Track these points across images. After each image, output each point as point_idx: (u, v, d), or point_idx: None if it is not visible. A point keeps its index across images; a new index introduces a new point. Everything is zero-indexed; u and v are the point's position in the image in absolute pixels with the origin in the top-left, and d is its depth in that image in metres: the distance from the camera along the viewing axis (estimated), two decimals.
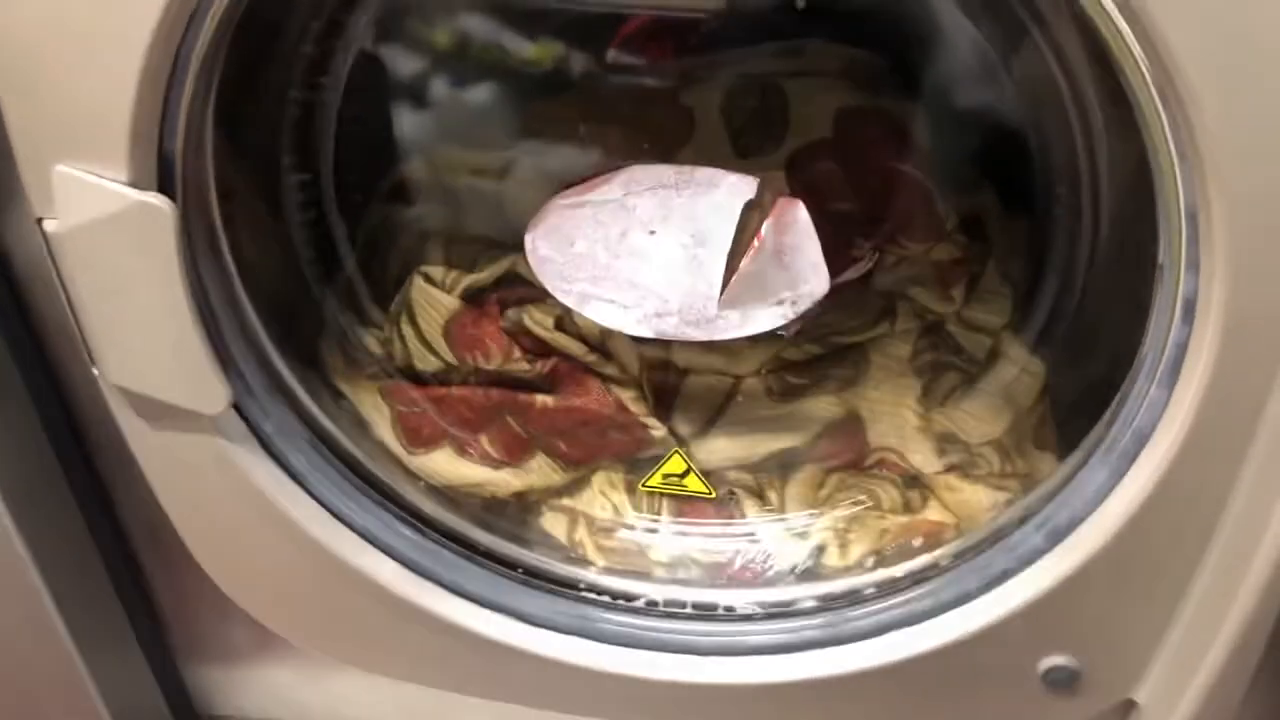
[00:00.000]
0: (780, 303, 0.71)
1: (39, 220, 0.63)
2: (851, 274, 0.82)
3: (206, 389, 0.67)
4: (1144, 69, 0.52)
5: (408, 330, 0.79)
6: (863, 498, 0.82)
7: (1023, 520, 0.71)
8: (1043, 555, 0.68)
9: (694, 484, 0.82)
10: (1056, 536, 0.67)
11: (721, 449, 0.83)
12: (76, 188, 0.60)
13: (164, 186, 0.62)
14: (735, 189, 0.68)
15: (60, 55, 0.57)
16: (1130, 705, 0.72)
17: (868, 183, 0.84)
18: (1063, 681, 0.70)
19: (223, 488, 0.73)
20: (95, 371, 0.69)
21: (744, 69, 0.87)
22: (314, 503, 0.75)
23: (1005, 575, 0.70)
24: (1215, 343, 0.56)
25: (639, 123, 0.87)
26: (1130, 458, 0.63)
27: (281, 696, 0.93)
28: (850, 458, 0.84)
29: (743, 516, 0.83)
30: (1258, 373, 0.56)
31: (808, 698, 0.75)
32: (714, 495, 0.82)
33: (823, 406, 0.84)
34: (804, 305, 0.70)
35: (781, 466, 0.84)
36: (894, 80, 0.87)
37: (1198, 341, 0.57)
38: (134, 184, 0.60)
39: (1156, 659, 0.68)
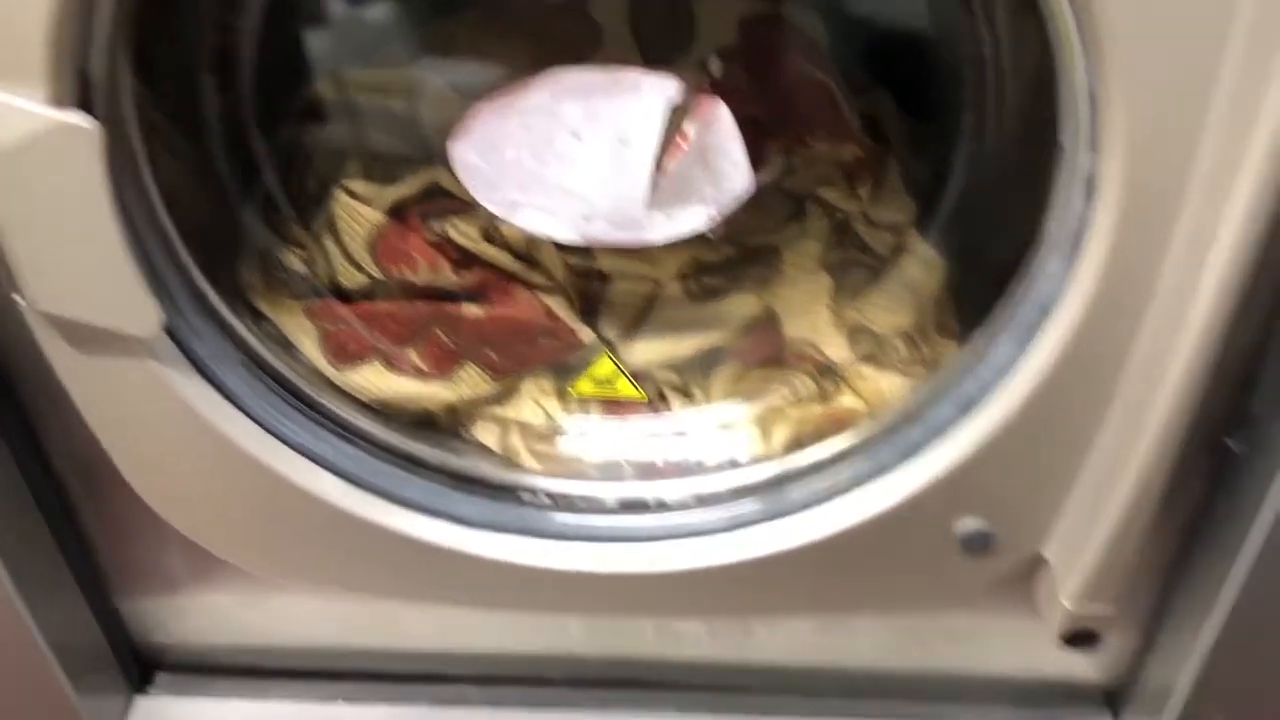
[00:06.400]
0: (703, 202, 0.73)
1: None
2: (763, 177, 0.85)
3: (138, 311, 0.66)
4: None
5: (331, 246, 0.78)
6: (783, 389, 0.86)
7: (935, 399, 0.75)
8: (953, 425, 0.73)
9: (624, 388, 0.85)
10: (966, 407, 0.72)
11: (647, 350, 0.85)
12: None
13: (84, 109, 0.60)
14: (658, 89, 0.70)
15: None
16: (1040, 561, 0.77)
17: (774, 87, 0.86)
18: (978, 542, 0.75)
19: (157, 411, 0.72)
20: (19, 299, 0.68)
21: None
22: (250, 421, 0.75)
23: (919, 446, 0.74)
24: (1114, 216, 0.60)
25: (546, 36, 0.87)
26: (1035, 329, 0.67)
27: (221, 621, 0.93)
28: (769, 353, 0.87)
29: (670, 413, 0.86)
30: (1153, 243, 0.60)
31: (744, 577, 0.79)
32: (645, 399, 0.85)
33: (741, 305, 0.87)
34: (726, 203, 0.73)
35: (705, 365, 0.88)
36: None
37: (1097, 216, 0.61)
38: (54, 104, 0.59)
39: (1062, 515, 0.74)
